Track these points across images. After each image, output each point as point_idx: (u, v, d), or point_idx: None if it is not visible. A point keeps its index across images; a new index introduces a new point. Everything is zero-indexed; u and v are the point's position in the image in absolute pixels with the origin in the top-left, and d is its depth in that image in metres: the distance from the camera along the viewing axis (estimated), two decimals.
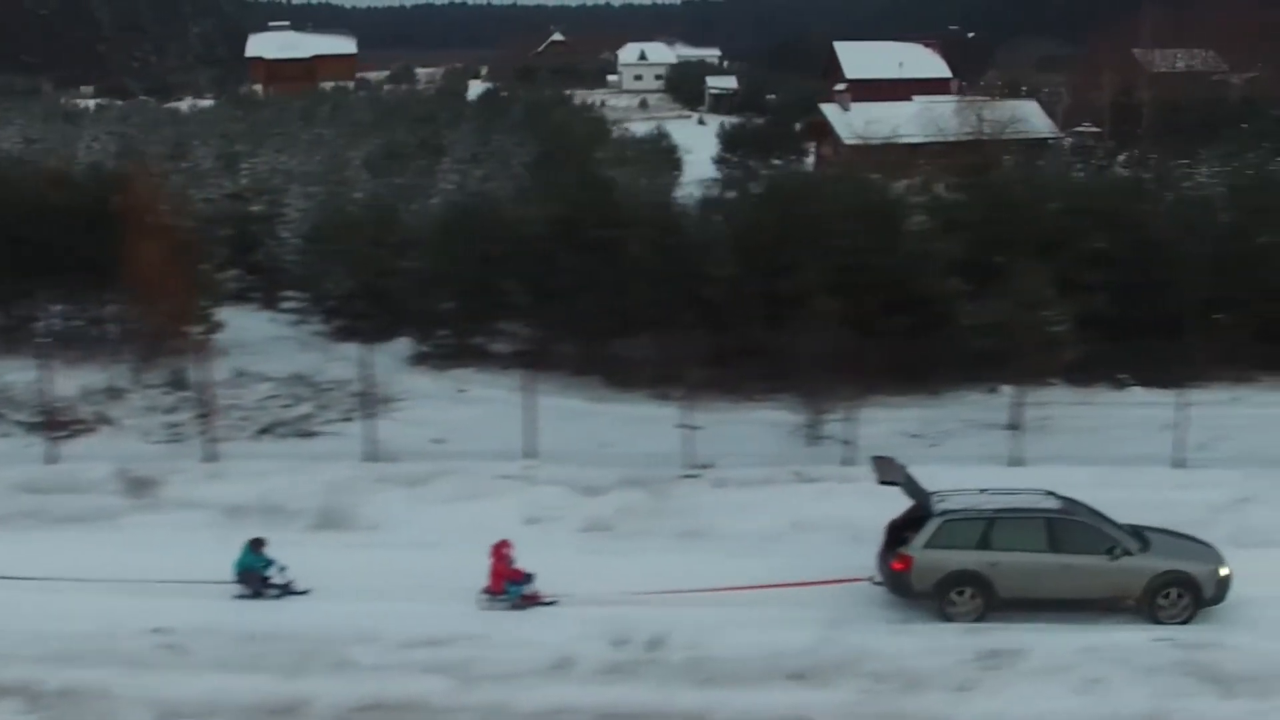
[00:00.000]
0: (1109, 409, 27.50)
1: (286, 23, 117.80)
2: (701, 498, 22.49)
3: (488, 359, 30.59)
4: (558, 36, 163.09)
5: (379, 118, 70.28)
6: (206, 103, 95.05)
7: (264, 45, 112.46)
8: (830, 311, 27.86)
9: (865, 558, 19.03)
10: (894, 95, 74.09)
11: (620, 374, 29.11)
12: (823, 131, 69.86)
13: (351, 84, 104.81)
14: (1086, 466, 22.34)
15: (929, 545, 18.41)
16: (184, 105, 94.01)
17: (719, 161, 64.62)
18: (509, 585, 18.56)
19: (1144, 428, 24.66)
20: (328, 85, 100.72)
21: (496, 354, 30.64)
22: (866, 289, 28.11)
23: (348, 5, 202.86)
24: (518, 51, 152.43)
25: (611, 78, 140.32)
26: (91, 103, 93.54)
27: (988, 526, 18.53)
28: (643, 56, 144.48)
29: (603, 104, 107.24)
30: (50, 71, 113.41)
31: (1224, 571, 18.21)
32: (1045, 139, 66.42)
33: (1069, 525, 18.58)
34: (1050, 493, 19.28)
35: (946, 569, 18.30)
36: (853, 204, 29.84)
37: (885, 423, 25.48)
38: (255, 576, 18.91)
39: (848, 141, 65.17)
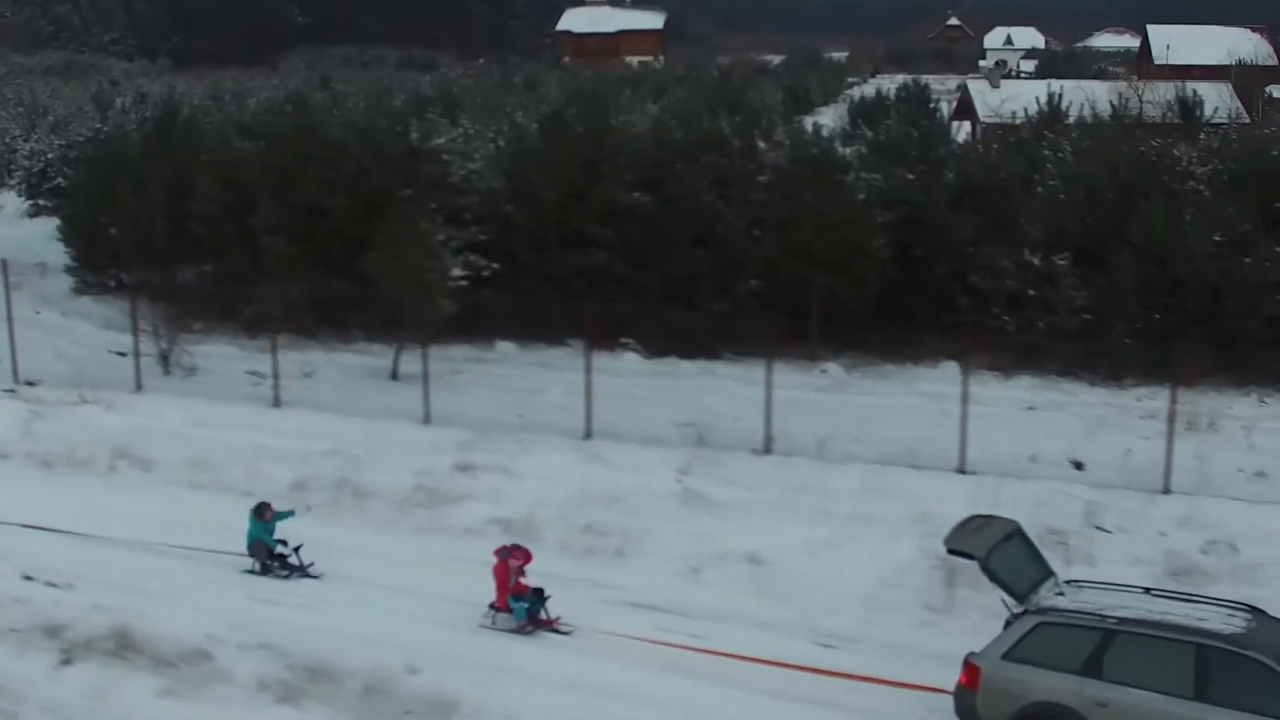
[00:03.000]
0: (533, 370, 26.33)
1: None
2: None
3: None
4: (953, 21, 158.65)
5: None
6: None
7: (574, 20, 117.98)
8: (285, 254, 28.22)
9: None
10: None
11: None
12: (967, 109, 65.63)
13: (660, 58, 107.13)
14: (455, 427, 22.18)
15: (1011, 656, 12.56)
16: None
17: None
18: (514, 602, 15.29)
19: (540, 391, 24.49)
20: (633, 60, 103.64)
21: None
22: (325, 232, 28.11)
23: None
24: (918, 37, 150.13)
25: (982, 63, 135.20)
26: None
27: (1104, 643, 12.35)
28: (1009, 41, 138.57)
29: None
30: (405, 44, 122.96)
31: None
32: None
33: (1235, 663, 11.95)
34: (1254, 611, 12.93)
35: (1029, 697, 12.38)
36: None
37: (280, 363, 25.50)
38: (262, 548, 16.84)
39: (984, 119, 61.28)
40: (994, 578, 12.96)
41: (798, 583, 15.60)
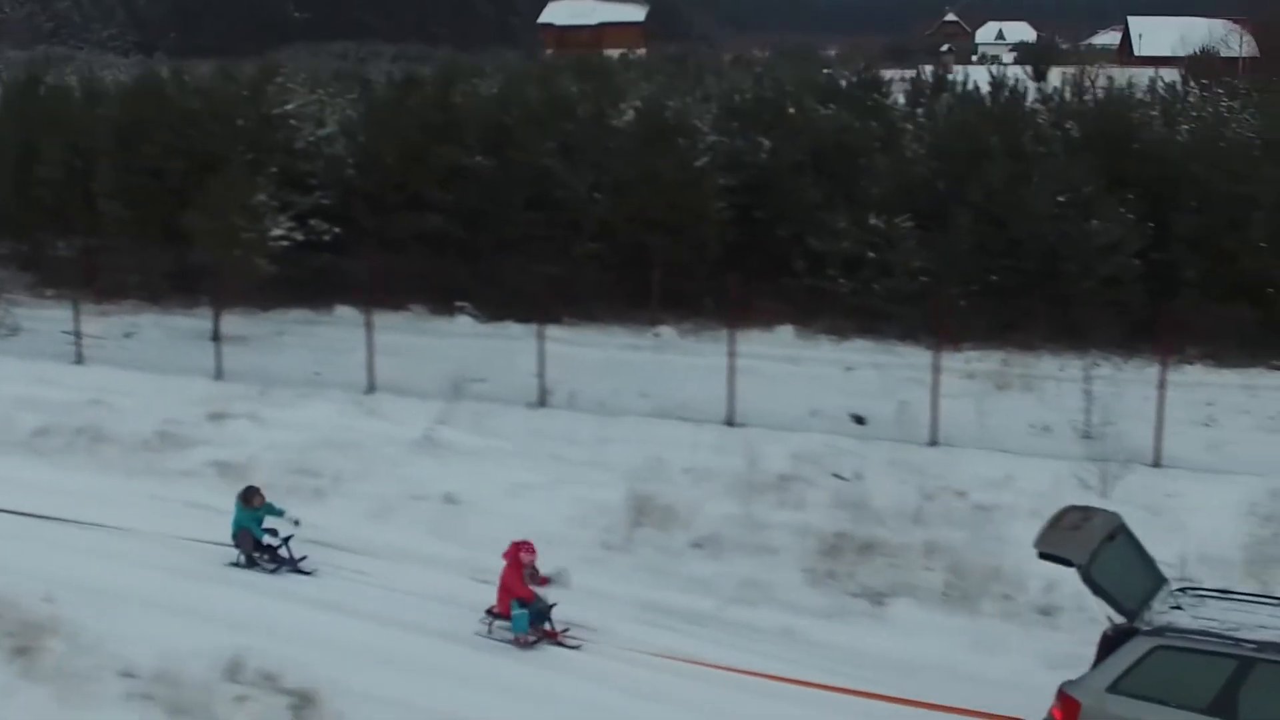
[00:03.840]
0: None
1: None
2: None
3: None
4: (950, 17, 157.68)
5: None
6: None
7: (556, 13, 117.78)
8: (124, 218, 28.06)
9: None
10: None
11: None
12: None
13: (641, 51, 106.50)
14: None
15: (1119, 688, 10.04)
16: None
17: None
18: (516, 609, 13.19)
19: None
20: (614, 53, 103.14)
21: None
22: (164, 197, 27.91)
23: None
24: (917, 34, 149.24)
25: (974, 57, 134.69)
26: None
27: (1239, 673, 9.74)
28: (1000, 36, 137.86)
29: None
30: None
31: None
32: None
33: None
34: None
35: None
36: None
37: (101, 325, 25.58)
38: (248, 538, 15.06)
39: None
40: (1098, 590, 10.40)
41: (484, 522, 15.20)
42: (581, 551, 14.47)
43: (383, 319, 27.37)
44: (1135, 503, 15.87)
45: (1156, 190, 26.18)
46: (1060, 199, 25.96)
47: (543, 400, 20.79)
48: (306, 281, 27.27)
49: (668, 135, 27.71)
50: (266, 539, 14.94)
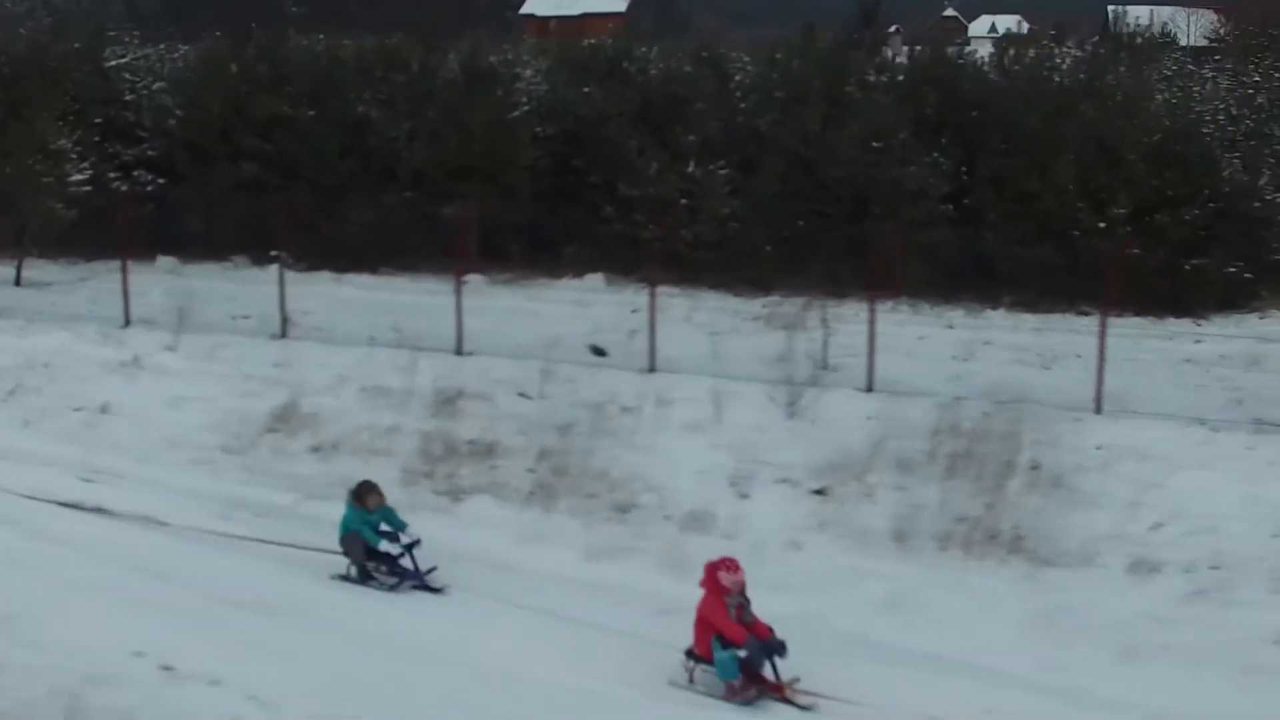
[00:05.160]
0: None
1: None
2: None
3: None
4: (950, 12, 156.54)
5: None
6: None
7: (538, 4, 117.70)
8: None
9: None
10: None
11: None
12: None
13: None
14: None
15: None
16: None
17: None
18: (720, 650, 10.13)
19: None
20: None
21: None
22: None
23: None
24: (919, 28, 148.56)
25: (968, 49, 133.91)
26: None
27: None
28: (993, 29, 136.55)
29: None
30: None
31: None
32: None
33: None
34: None
35: None
36: None
37: None
38: (358, 543, 12.39)
39: None
40: None
41: (123, 428, 15.03)
42: (197, 454, 14.27)
43: (201, 269, 27.45)
44: (805, 417, 15.68)
45: (971, 135, 25.81)
46: (876, 145, 25.63)
47: (284, 332, 20.58)
48: (134, 231, 27.14)
49: (487, 83, 27.48)
50: (384, 545, 12.34)
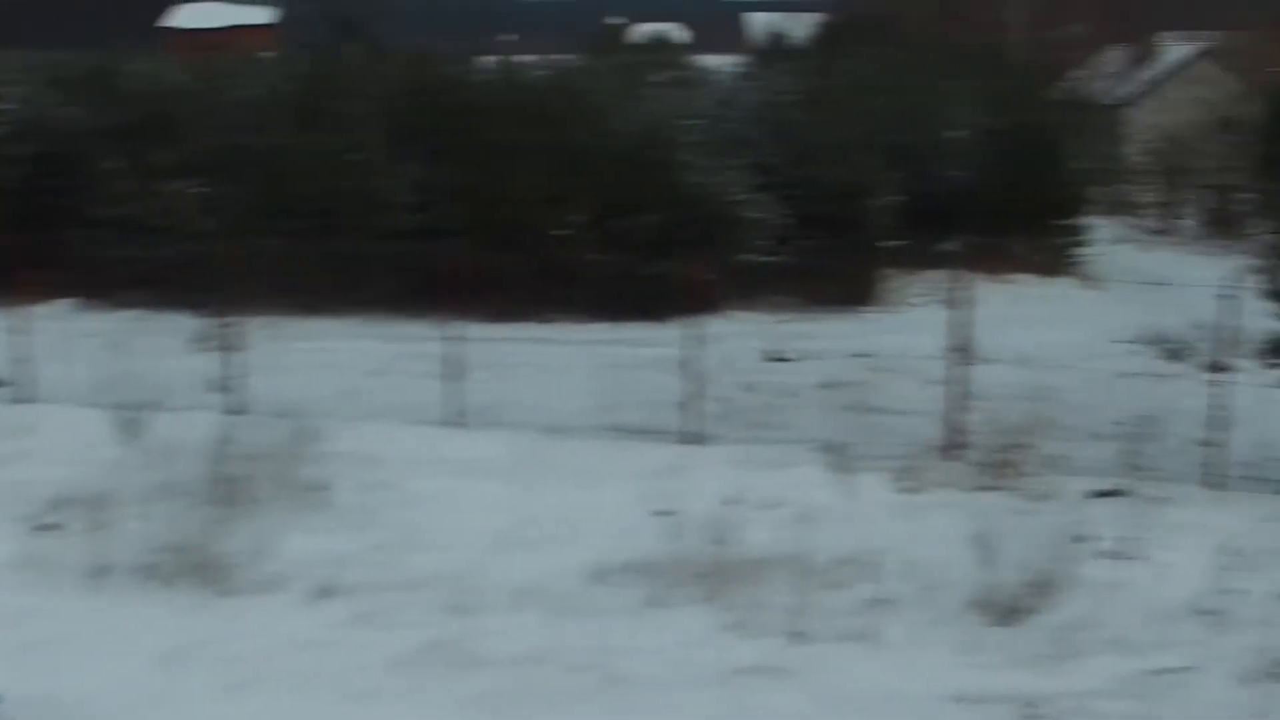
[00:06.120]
0: None
1: None
2: None
3: None
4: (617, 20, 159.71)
5: None
6: None
7: (183, 17, 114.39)
8: None
9: None
10: None
11: None
12: None
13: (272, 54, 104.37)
14: None
15: None
16: None
17: None
18: None
19: None
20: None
21: None
22: None
23: None
24: None
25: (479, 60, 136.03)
26: None
27: None
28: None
29: None
30: None
31: None
32: None
33: None
34: None
35: None
36: None
37: None
38: None
39: None
40: None
41: None
42: None
43: None
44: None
45: (445, 145, 25.94)
46: (355, 157, 25.53)
47: None
48: None
49: None
50: None
